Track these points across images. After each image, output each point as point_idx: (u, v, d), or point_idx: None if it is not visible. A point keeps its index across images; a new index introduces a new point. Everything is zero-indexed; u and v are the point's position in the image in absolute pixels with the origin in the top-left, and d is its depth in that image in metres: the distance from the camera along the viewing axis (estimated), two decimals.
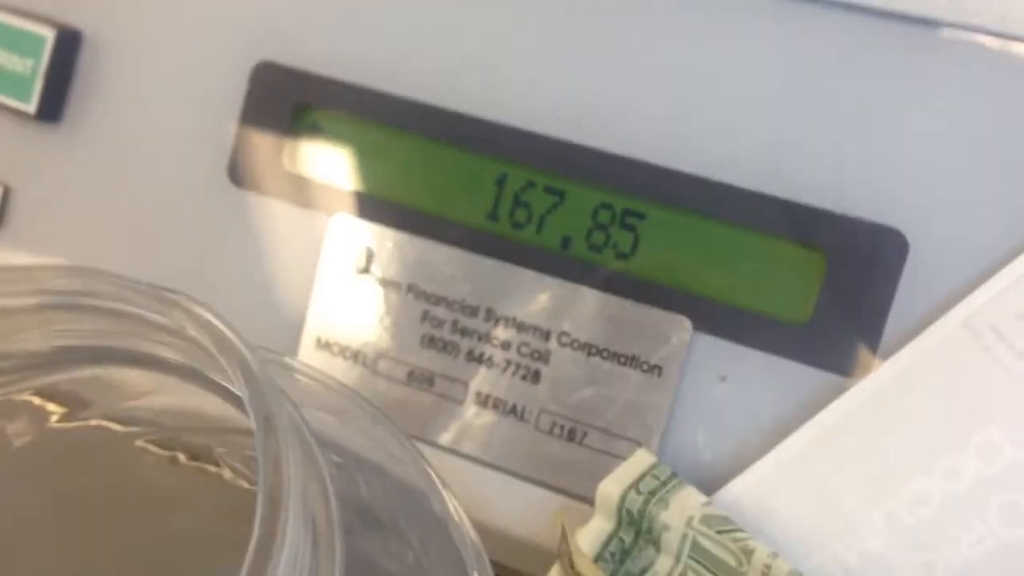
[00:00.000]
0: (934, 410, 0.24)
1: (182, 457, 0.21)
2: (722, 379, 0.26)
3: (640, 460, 0.25)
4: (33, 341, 0.20)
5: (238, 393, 0.16)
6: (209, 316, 0.17)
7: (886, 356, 0.24)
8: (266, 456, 0.14)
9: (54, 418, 0.22)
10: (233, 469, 0.20)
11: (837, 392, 0.25)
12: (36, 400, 0.22)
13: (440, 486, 0.20)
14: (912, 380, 0.24)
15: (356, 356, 0.29)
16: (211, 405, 0.19)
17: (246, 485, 0.20)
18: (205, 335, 0.16)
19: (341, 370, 0.29)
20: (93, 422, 0.22)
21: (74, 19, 0.31)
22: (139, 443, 0.22)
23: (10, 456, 0.22)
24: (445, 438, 0.28)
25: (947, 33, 0.24)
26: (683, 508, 0.24)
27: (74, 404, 0.23)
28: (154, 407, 0.22)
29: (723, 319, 0.26)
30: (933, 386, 0.24)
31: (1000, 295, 0.23)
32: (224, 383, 0.18)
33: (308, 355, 0.29)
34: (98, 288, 0.18)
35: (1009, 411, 0.23)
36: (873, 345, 0.25)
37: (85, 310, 0.18)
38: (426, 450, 0.28)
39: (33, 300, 0.19)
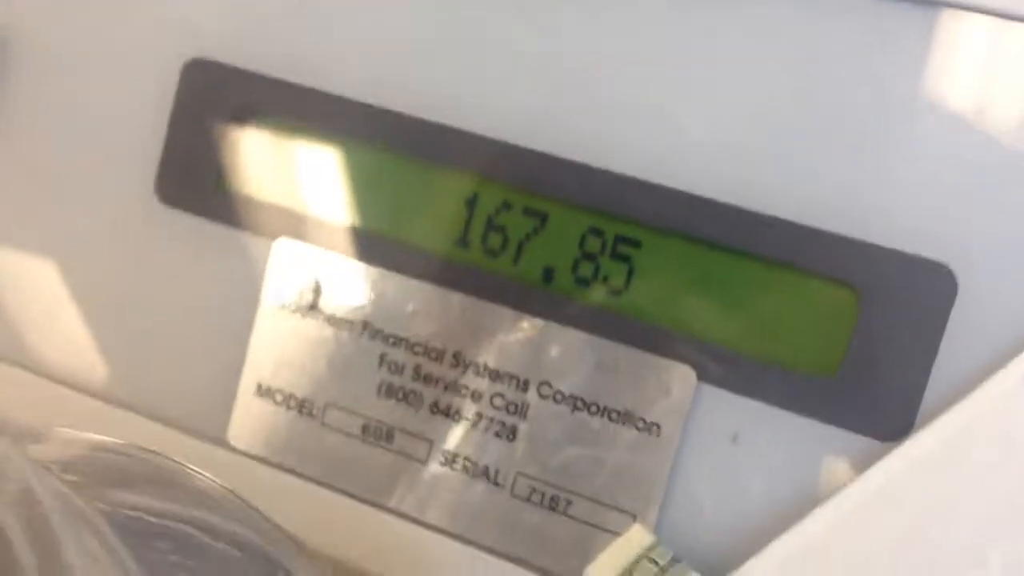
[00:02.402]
0: (990, 485, 0.20)
1: None
2: (732, 440, 0.22)
3: (635, 539, 0.21)
4: None
5: None
6: None
7: (931, 417, 0.20)
8: None
9: None
10: None
11: (871, 459, 0.20)
12: None
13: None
14: (962, 447, 0.20)
15: (302, 406, 0.24)
16: None
17: None
18: None
19: (285, 421, 0.24)
20: None
21: None
22: None
23: None
24: (404, 503, 0.24)
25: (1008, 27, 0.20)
26: None
27: None
28: None
29: (734, 369, 0.22)
30: (988, 454, 0.20)
31: None
32: None
33: (247, 403, 0.25)
34: None
35: None
36: (915, 403, 0.20)
37: None
38: (382, 517, 0.24)
39: None
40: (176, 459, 0.17)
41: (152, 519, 0.14)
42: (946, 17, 0.20)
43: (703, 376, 0.22)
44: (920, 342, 0.20)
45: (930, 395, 0.20)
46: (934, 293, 0.20)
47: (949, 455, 0.20)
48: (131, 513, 0.14)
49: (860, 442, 0.21)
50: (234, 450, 0.25)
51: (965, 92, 0.20)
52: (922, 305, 0.20)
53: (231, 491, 0.17)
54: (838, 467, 0.21)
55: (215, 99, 0.25)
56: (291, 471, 0.24)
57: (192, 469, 0.17)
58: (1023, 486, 0.19)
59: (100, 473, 0.15)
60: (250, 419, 0.25)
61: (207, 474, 0.17)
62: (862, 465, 0.21)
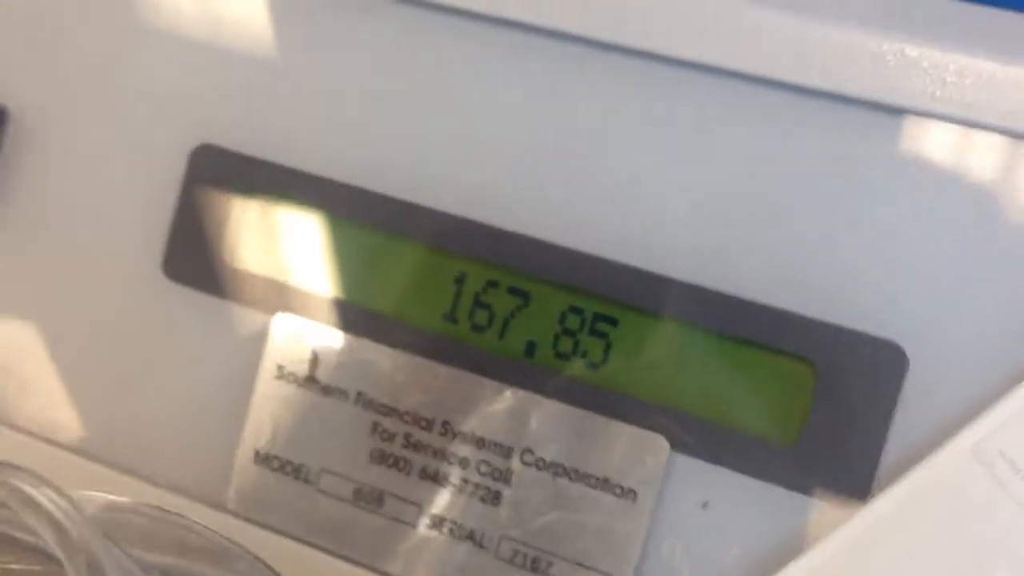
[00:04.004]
0: (938, 549, 0.21)
1: None
2: (703, 506, 0.23)
3: None
4: None
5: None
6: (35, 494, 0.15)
7: (884, 485, 0.22)
8: None
9: None
10: None
11: (830, 524, 0.22)
12: None
13: None
14: (912, 514, 0.21)
15: (298, 471, 0.26)
16: None
17: None
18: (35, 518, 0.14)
19: (281, 487, 0.26)
20: None
21: None
22: None
23: None
24: (394, 565, 0.25)
25: (956, 134, 0.22)
26: None
27: None
28: None
29: (704, 438, 0.23)
30: (936, 521, 0.21)
31: (1013, 419, 0.21)
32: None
33: (245, 469, 0.26)
34: None
35: (1022, 557, 0.21)
36: (869, 472, 0.22)
37: None
38: None
39: None
40: (188, 518, 0.18)
41: None
42: (907, 122, 0.22)
43: (676, 445, 0.23)
44: (875, 414, 0.22)
45: (885, 464, 0.22)
46: (887, 369, 0.22)
47: (901, 521, 0.21)
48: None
49: (820, 508, 0.22)
50: (234, 514, 0.26)
51: (917, 185, 0.22)
52: (876, 380, 0.22)
53: (245, 549, 0.19)
54: (800, 531, 0.22)
55: (221, 182, 0.27)
56: (289, 535, 0.26)
57: (206, 528, 0.18)
58: (971, 550, 0.21)
59: (125, 534, 0.16)
60: (249, 485, 0.26)
61: (220, 533, 0.19)
62: (822, 530, 0.22)
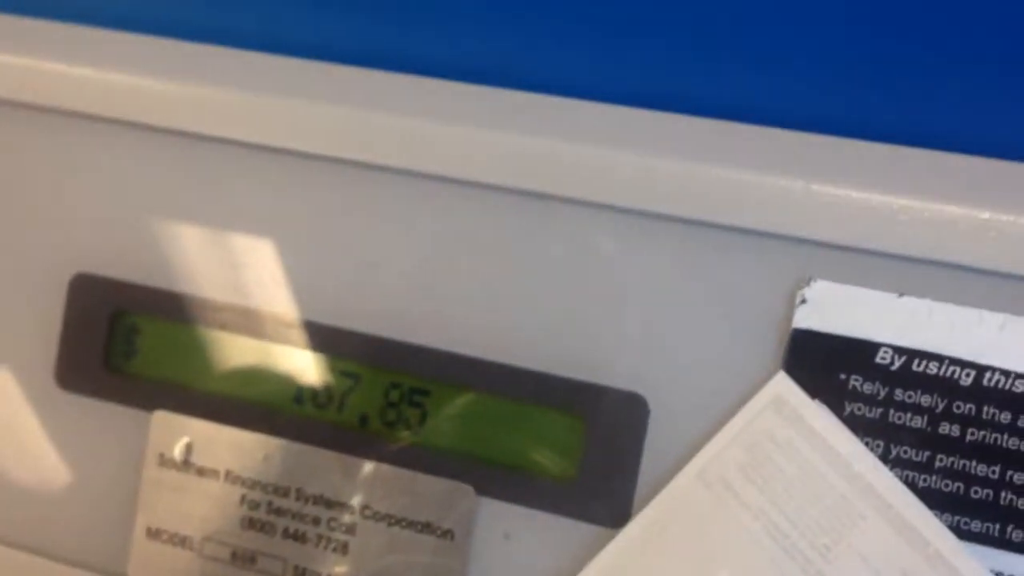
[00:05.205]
0: (678, 558, 0.27)
1: None
2: (506, 538, 0.29)
3: None
4: None
5: None
6: None
7: (640, 508, 0.27)
8: None
9: None
10: None
11: (604, 543, 0.27)
12: None
13: None
14: (658, 531, 0.27)
15: (184, 542, 0.31)
16: None
17: None
18: None
19: (171, 555, 0.31)
20: None
21: None
22: None
23: None
24: None
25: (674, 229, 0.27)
26: None
27: None
28: None
29: (503, 483, 0.29)
30: (676, 536, 0.27)
31: (725, 449, 0.26)
32: None
33: (140, 543, 0.31)
34: None
35: (737, 557, 0.26)
36: (630, 499, 0.28)
37: None
38: None
39: None
40: None
41: None
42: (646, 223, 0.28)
43: (480, 490, 0.29)
44: (628, 452, 0.28)
45: (640, 492, 0.27)
46: (633, 416, 0.28)
47: (651, 537, 0.27)
48: None
49: (598, 532, 0.28)
50: None
51: (645, 277, 0.28)
52: (626, 425, 0.28)
53: None
54: (582, 553, 0.28)
55: (99, 303, 0.32)
56: None
57: None
58: (700, 557, 0.26)
59: None
60: (145, 556, 0.31)
61: None
62: (599, 550, 0.28)
